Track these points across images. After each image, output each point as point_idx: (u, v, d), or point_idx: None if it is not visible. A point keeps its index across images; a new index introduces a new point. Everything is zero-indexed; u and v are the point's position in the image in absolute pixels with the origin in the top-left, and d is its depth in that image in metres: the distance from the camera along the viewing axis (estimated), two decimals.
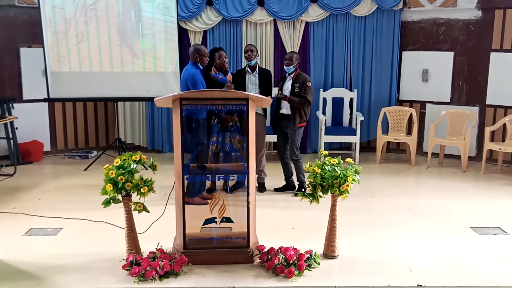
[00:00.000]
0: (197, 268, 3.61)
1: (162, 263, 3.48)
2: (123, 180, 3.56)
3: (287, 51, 7.49)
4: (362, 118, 7.19)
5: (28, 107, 7.28)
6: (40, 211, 4.96)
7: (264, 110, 5.65)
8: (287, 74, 5.55)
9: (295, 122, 5.41)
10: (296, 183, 5.72)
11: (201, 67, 5.08)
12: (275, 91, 7.00)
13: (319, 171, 3.73)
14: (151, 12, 6.84)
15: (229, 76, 5.42)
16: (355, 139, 7.16)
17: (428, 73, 7.49)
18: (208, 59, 5.14)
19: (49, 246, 4.11)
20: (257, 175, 5.52)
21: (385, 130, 7.43)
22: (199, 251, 3.73)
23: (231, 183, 3.97)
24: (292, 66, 5.41)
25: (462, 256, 3.94)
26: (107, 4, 6.74)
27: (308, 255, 3.67)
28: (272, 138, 6.97)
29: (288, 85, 5.47)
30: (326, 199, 3.86)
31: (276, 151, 7.57)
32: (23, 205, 5.17)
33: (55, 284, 3.44)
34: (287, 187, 5.74)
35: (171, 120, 5.71)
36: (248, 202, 3.72)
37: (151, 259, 3.56)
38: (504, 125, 6.71)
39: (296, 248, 3.70)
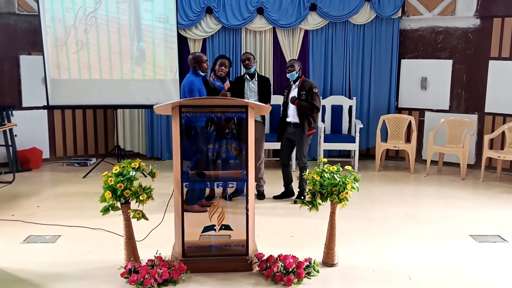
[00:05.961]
0: (196, 276, 3.60)
1: (161, 271, 3.47)
2: (122, 188, 3.56)
3: (286, 59, 7.52)
4: (361, 126, 7.20)
5: (27, 115, 7.29)
6: (39, 218, 4.95)
7: (263, 117, 5.65)
8: (291, 82, 5.51)
9: (304, 130, 5.37)
10: (296, 191, 5.70)
11: (202, 74, 5.09)
12: (275, 98, 7.03)
13: (318, 178, 3.73)
14: (150, 20, 6.87)
15: (227, 84, 5.43)
16: (354, 147, 7.16)
17: (427, 81, 7.51)
18: (207, 64, 5.16)
19: (48, 253, 4.10)
20: (256, 183, 5.52)
21: (384, 138, 7.44)
22: (198, 259, 3.71)
23: (230, 190, 3.96)
24: (295, 72, 5.39)
25: (462, 264, 3.93)
26: (107, 12, 6.76)
27: (307, 263, 3.66)
28: (271, 145, 6.99)
29: (294, 93, 5.43)
30: (325, 207, 3.85)
31: (275, 159, 7.63)
32: (21, 212, 5.16)
33: None
34: (286, 194, 5.73)
35: (170, 127, 5.68)
36: (247, 210, 3.72)
37: (149, 266, 3.55)
38: (503, 133, 6.72)
39: (295, 256, 3.69)
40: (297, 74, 5.42)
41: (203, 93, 5.05)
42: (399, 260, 3.98)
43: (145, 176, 3.75)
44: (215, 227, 3.77)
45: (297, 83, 5.44)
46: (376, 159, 7.26)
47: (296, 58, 7.32)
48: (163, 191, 4.49)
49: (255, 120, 4.24)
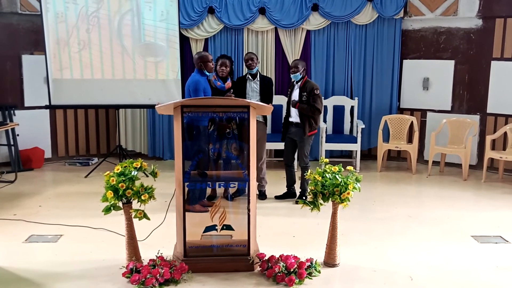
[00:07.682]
0: (197, 276, 3.60)
1: (162, 271, 3.48)
2: (124, 187, 3.56)
3: (288, 59, 7.52)
4: (363, 126, 7.20)
5: (29, 114, 7.30)
6: (41, 218, 4.96)
7: (265, 117, 5.66)
8: (295, 82, 5.51)
9: (305, 130, 5.37)
10: (298, 191, 5.70)
11: (208, 74, 5.09)
12: (277, 99, 7.03)
13: (320, 178, 3.73)
14: (153, 20, 6.87)
15: (228, 84, 5.43)
16: (356, 147, 7.16)
17: (429, 81, 7.50)
18: (213, 64, 5.17)
19: (50, 253, 4.11)
20: (257, 183, 5.52)
21: (386, 138, 7.43)
22: (199, 259, 3.72)
23: (231, 190, 3.97)
24: (298, 73, 5.37)
25: (463, 264, 3.93)
26: (109, 12, 6.77)
27: (309, 263, 3.66)
28: (273, 145, 7.00)
29: (295, 93, 5.42)
30: (327, 207, 3.85)
31: (277, 159, 7.63)
32: (23, 212, 5.17)
33: None
34: (288, 195, 5.73)
35: (172, 127, 5.69)
36: (248, 210, 3.72)
37: (151, 266, 3.55)
38: (505, 133, 6.71)
39: (296, 256, 3.69)
40: (301, 75, 5.40)
41: (208, 93, 5.06)
42: (400, 261, 3.97)
43: (147, 176, 3.76)
44: (216, 227, 3.77)
45: (299, 83, 5.43)
46: (378, 160, 7.26)
47: (299, 59, 7.32)
48: (164, 191, 4.50)
49: (257, 120, 4.25)
